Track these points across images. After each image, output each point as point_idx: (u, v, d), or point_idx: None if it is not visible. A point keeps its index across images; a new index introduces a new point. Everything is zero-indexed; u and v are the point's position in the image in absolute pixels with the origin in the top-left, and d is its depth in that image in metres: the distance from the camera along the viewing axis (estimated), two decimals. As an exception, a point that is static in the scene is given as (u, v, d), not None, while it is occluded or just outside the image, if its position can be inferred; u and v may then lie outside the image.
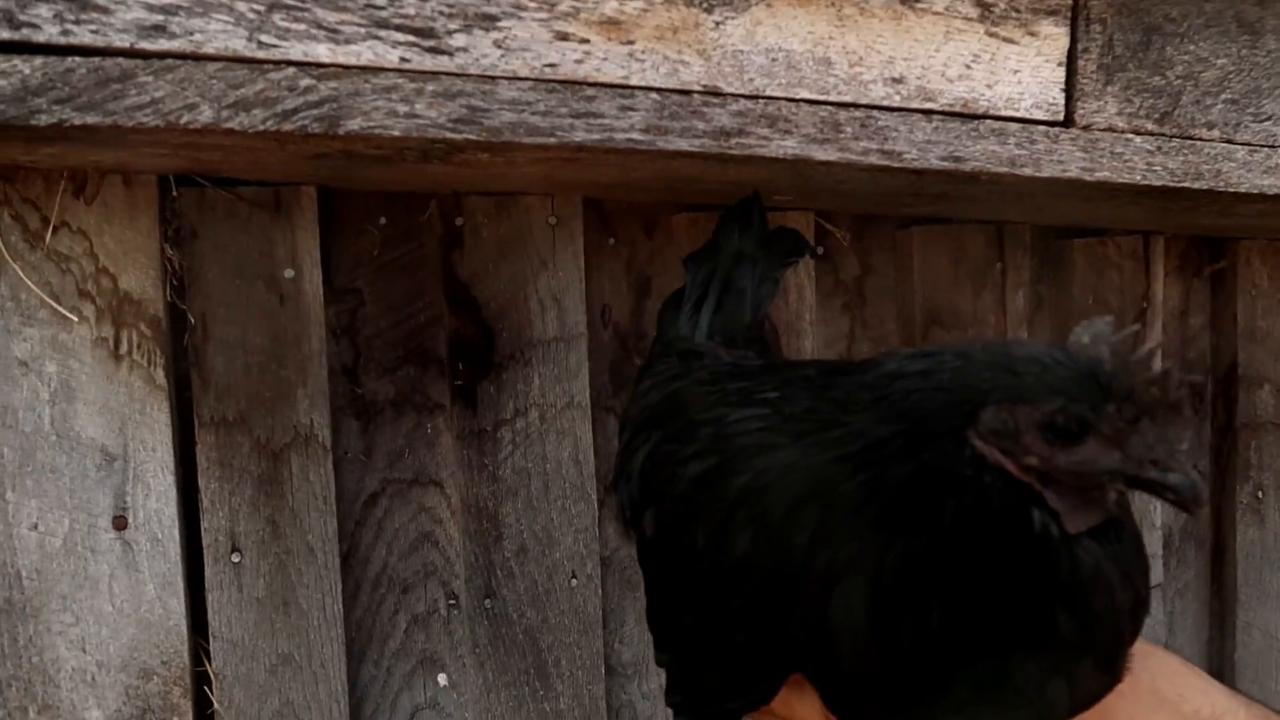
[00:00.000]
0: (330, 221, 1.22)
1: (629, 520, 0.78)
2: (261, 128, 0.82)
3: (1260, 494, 1.70)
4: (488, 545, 1.25)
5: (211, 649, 1.14)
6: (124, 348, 1.09)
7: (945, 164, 1.01)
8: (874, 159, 0.98)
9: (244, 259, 1.14)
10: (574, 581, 1.28)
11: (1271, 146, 1.13)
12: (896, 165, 1.00)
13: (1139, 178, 1.08)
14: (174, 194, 1.12)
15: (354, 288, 1.24)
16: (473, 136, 0.87)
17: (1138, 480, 0.54)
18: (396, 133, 0.85)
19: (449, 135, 0.87)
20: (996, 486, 0.55)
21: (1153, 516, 1.63)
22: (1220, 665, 1.75)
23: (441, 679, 1.28)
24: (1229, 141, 1.11)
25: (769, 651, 0.62)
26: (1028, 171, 1.04)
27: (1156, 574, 1.62)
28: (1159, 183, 1.08)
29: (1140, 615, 0.60)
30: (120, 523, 1.10)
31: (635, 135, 0.91)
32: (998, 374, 0.56)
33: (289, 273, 1.16)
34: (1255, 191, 1.13)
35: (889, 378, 0.59)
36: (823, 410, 0.61)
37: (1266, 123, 1.12)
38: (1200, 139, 1.10)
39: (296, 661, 1.17)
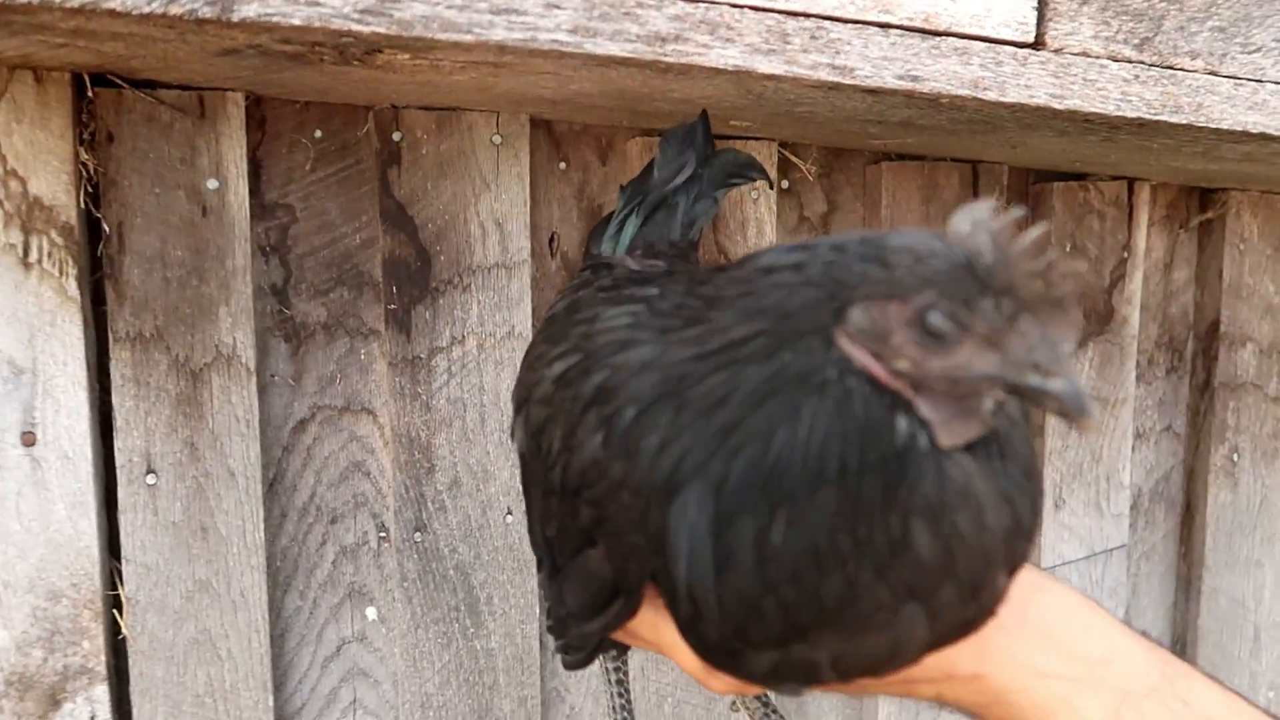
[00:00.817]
0: (261, 133, 1.16)
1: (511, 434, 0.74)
2: (147, 9, 0.76)
3: (1236, 457, 1.65)
4: (419, 477, 1.21)
5: (124, 573, 1.10)
6: (34, 255, 1.03)
7: (902, 83, 0.94)
8: (824, 74, 0.91)
9: (164, 167, 1.08)
10: (509, 518, 1.24)
11: (1259, 81, 1.06)
12: (849, 83, 0.93)
13: (1112, 108, 1.01)
14: (90, 95, 1.05)
15: (285, 203, 1.18)
16: (382, 30, 0.80)
17: (1017, 387, 0.48)
18: (297, 21, 0.78)
19: (355, 27, 0.80)
20: (861, 392, 0.49)
21: (1121, 475, 1.58)
22: (1184, 630, 1.71)
23: (370, 612, 1.25)
24: (1213, 73, 1.04)
25: (622, 567, 0.57)
26: (992, 96, 0.97)
27: (1121, 535, 1.58)
28: (1134, 114, 1.01)
29: (1019, 542, 0.54)
30: (29, 439, 1.05)
31: (561, 36, 0.84)
32: (869, 266, 0.50)
33: (213, 183, 1.09)
34: (1239, 129, 1.05)
35: (762, 272, 0.53)
36: (690, 305, 0.56)
37: (1255, 54, 1.05)
38: (1182, 69, 1.03)
39: (214, 589, 1.13)
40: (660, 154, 1.00)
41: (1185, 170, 1.40)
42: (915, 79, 0.94)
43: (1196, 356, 1.67)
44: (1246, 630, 1.70)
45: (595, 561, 0.60)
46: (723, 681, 0.61)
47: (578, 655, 0.74)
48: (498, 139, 1.19)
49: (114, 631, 1.11)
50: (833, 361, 0.50)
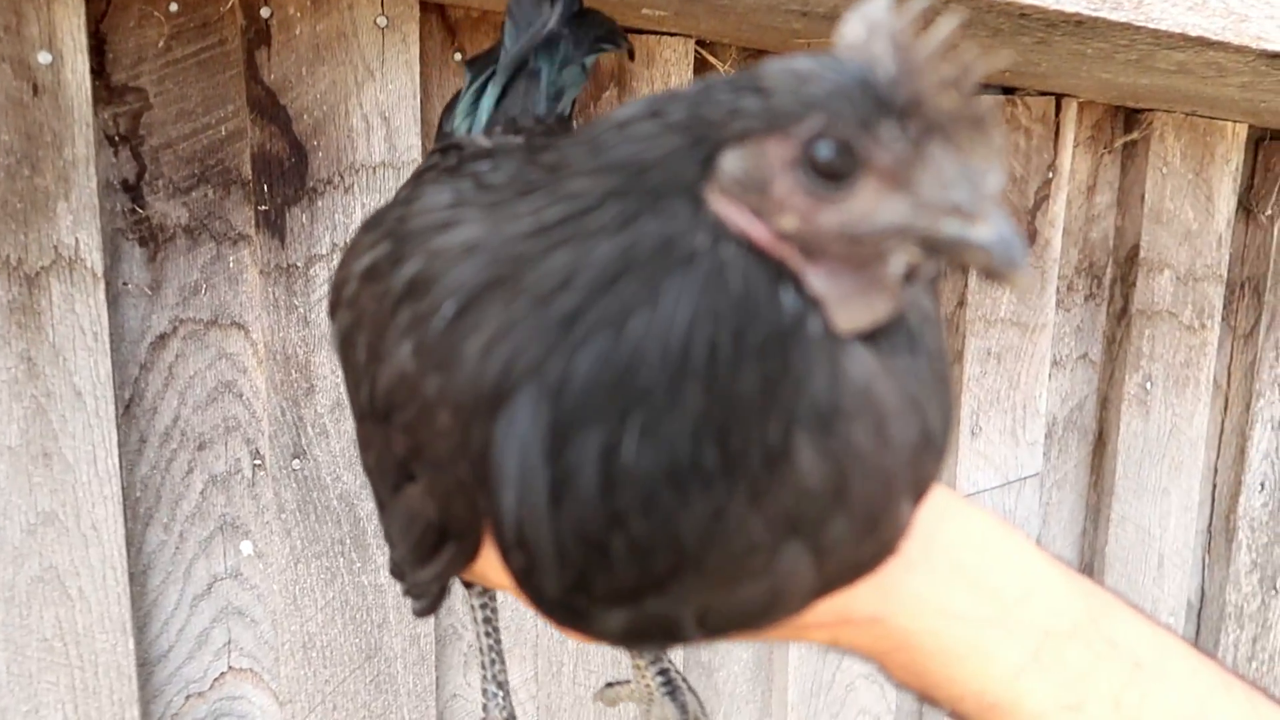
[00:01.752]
0: (106, 2, 1.00)
1: None
2: None
3: (1149, 385, 1.64)
4: (297, 399, 1.09)
5: (-49, 503, 0.97)
6: None
7: (830, -41, 0.84)
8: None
9: (-15, 36, 0.93)
10: (399, 443, 1.14)
11: (1200, -21, 0.99)
12: (772, -44, 0.83)
13: (1051, 1, 0.93)
14: (-112, -56, 0.89)
15: (136, 86, 1.03)
16: None
17: (932, 239, 0.38)
18: None
19: None
20: (739, 262, 0.39)
21: (1037, 403, 1.55)
22: (1091, 558, 1.72)
23: (245, 546, 1.14)
24: (1155, -31, 0.97)
25: (446, 507, 0.47)
26: (926, -20, 0.88)
27: (1035, 463, 1.56)
28: (1072, 9, 0.94)
29: (928, 460, 0.44)
30: None
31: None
32: (741, 97, 0.39)
33: (44, 57, 0.94)
34: (1177, 30, 1.00)
35: (615, 127, 0.42)
36: (527, 176, 0.44)
37: (1198, -50, 0.98)
38: (1124, -38, 0.96)
39: (61, 521, 1.01)
40: (508, 20, 0.84)
41: (1114, 84, 1.35)
42: (844, -45, 0.85)
43: (1115, 283, 1.65)
44: (1152, 557, 1.72)
45: (416, 499, 0.49)
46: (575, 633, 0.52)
47: (422, 603, 0.64)
48: (383, 21, 1.06)
49: (-58, 570, 0.98)
50: (703, 226, 0.39)
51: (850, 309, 0.40)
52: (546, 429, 0.39)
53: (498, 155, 0.56)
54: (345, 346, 0.53)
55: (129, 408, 1.07)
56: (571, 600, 0.43)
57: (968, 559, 0.51)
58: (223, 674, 1.16)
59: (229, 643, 1.16)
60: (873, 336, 0.41)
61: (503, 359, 0.39)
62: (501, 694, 0.79)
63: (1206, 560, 1.87)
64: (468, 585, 0.75)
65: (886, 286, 0.40)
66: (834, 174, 0.38)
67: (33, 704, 1.03)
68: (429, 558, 0.51)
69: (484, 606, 0.78)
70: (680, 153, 0.40)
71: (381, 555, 1.16)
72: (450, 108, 0.85)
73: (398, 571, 0.60)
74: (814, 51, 0.40)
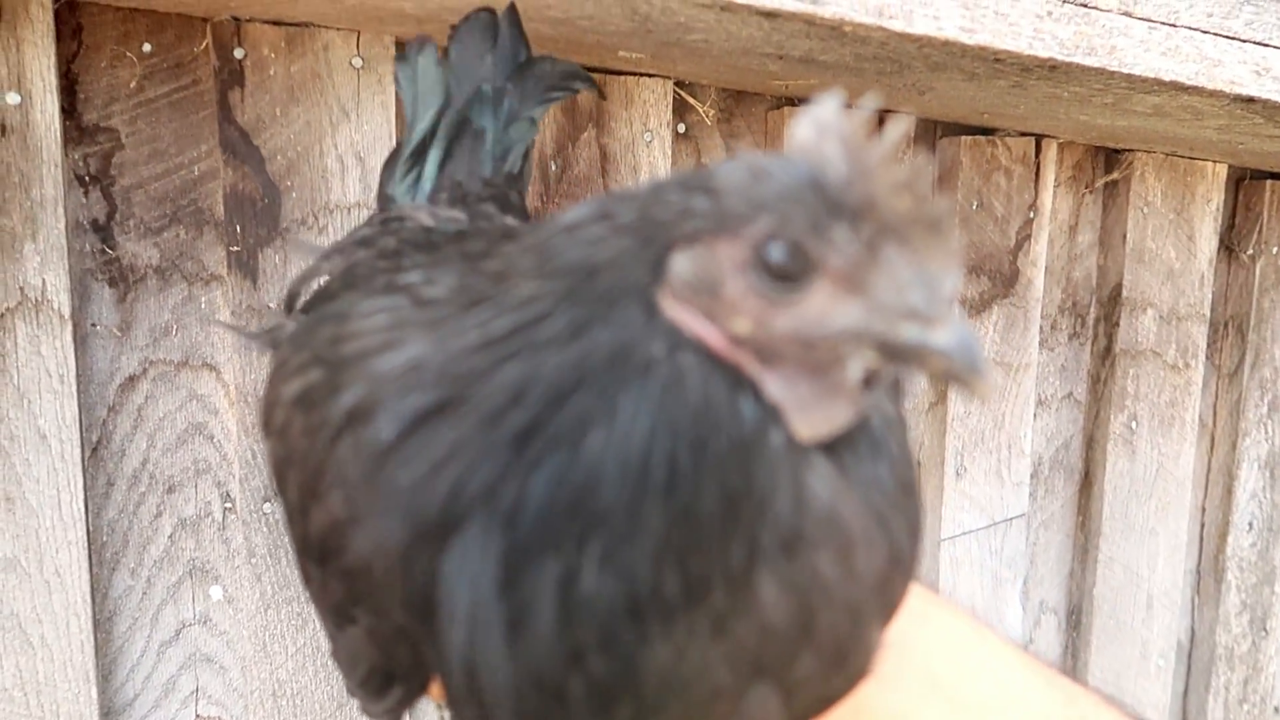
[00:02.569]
0: (78, 43, 1.00)
1: None
2: None
3: (1134, 425, 1.63)
4: (268, 441, 1.08)
5: (-91, 549, 0.95)
6: None
7: (800, 6, 0.84)
8: (714, -11, 0.81)
9: (-46, 77, 0.92)
10: (371, 486, 1.12)
11: (1173, 25, 1.00)
12: (741, 4, 0.83)
13: (1025, 46, 0.93)
14: None
15: (108, 126, 1.02)
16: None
17: (889, 345, 0.36)
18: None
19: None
20: (697, 371, 0.37)
21: (1022, 443, 1.54)
22: (1080, 599, 1.70)
23: (215, 592, 1.12)
24: (1127, 14, 0.98)
25: (390, 652, 0.45)
26: (898, 26, 0.88)
27: (1021, 504, 1.55)
28: (1046, 54, 0.94)
29: (897, 580, 0.42)
30: None
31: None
32: (691, 198, 0.38)
33: (13, 97, 0.94)
34: (1150, 75, 1.00)
35: (564, 230, 0.41)
36: (471, 286, 0.42)
37: (1170, -4, 0.99)
38: (1096, 8, 0.96)
39: (23, 567, 0.99)
40: (453, 57, 0.81)
41: (1093, 126, 1.36)
42: (815, 2, 0.85)
43: (1099, 322, 1.64)
44: (1140, 598, 1.69)
45: (359, 641, 0.47)
46: None
47: None
48: (358, 62, 1.06)
49: (-101, 617, 0.96)
50: (658, 332, 0.38)
51: (810, 416, 0.38)
52: (499, 559, 0.36)
53: (435, 258, 0.52)
54: (277, 479, 0.51)
55: (96, 450, 1.05)
56: None
57: (942, 671, 0.49)
58: (189, 723, 1.13)
59: (197, 690, 1.13)
60: (835, 446, 0.39)
61: (449, 483, 0.37)
62: None
63: (1196, 601, 1.85)
64: None
65: (845, 392, 0.38)
66: (786, 276, 0.37)
67: (-9, 756, 1.00)
68: (377, 695, 0.49)
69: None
70: (630, 254, 0.38)
71: (353, 600, 1.14)
72: (390, 164, 0.83)
73: (353, 693, 0.57)
74: (765, 153, 0.39)
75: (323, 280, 0.71)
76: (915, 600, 0.49)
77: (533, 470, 0.36)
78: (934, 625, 0.51)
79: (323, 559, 0.45)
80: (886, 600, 0.42)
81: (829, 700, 0.42)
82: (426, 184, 0.81)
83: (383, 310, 0.46)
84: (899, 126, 0.36)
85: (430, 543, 0.38)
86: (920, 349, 0.36)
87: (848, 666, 0.41)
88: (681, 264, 0.38)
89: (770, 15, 0.86)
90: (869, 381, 0.38)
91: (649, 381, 0.37)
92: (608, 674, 0.36)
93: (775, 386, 0.38)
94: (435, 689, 0.47)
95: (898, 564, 0.41)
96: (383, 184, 0.86)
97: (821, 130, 0.38)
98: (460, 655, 0.37)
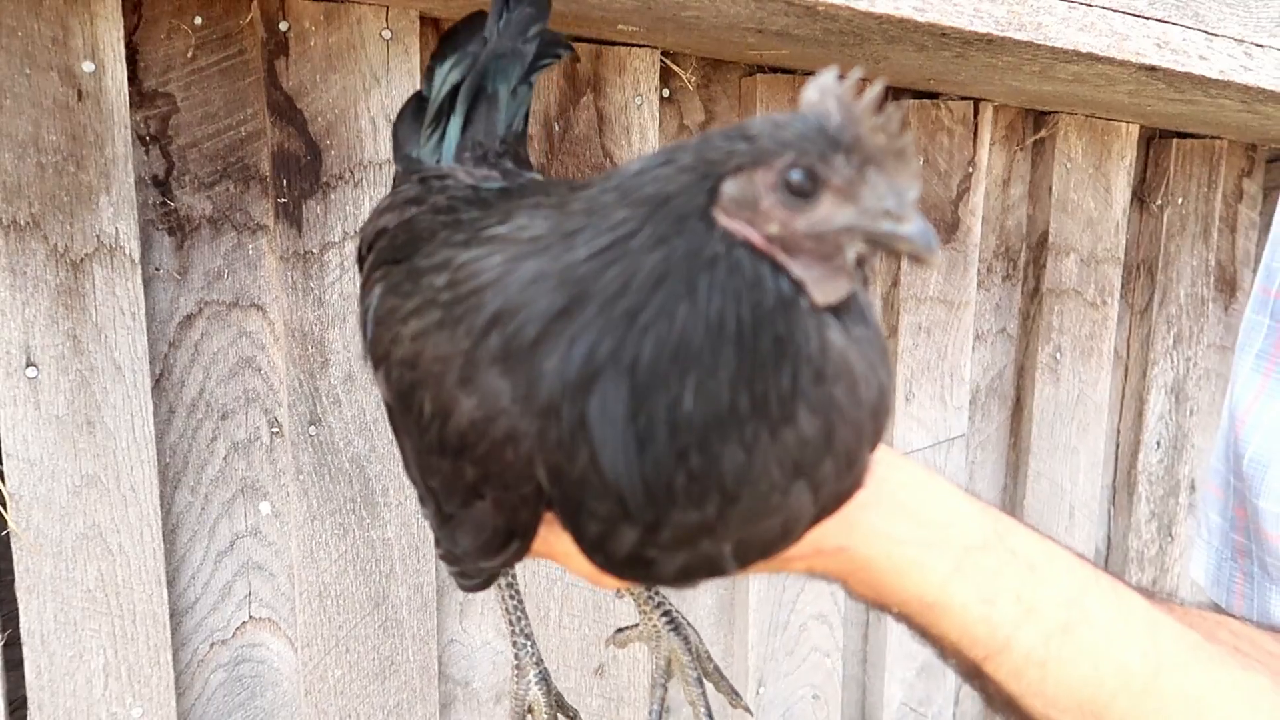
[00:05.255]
0: (138, 16, 1.12)
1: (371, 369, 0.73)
2: None
3: (1059, 355, 1.85)
4: (313, 372, 1.22)
5: (5, 468, 1.08)
6: (-109, 135, 0.98)
7: (783, -12, 1.00)
8: (713, -25, 0.97)
9: (36, 47, 1.04)
10: (404, 411, 1.27)
11: (1088, 4, 1.18)
12: (736, -15, 0.99)
13: (966, 23, 1.11)
14: (-52, -35, 0.99)
15: (165, 92, 1.15)
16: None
17: (873, 234, 0.53)
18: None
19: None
20: (747, 260, 0.54)
21: (962, 372, 1.74)
22: (1012, 510, 1.92)
23: (264, 507, 1.26)
24: (1051, -5, 1.16)
25: (513, 516, 0.60)
26: (863, 5, 1.05)
27: (962, 425, 1.75)
28: (984, 29, 1.12)
29: (882, 413, 0.58)
30: (-106, 329, 1.00)
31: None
32: (734, 143, 0.54)
33: (88, 66, 1.06)
34: (1070, 48, 1.18)
35: (635, 174, 0.57)
36: (567, 222, 0.57)
37: (1086, -20, 1.17)
38: (1026, -10, 1.14)
39: (103, 483, 1.12)
40: (465, 30, 0.94)
41: (1023, 90, 1.54)
42: (795, -16, 1.01)
43: (1028, 265, 1.85)
44: (1064, 509, 1.93)
45: (487, 512, 0.61)
46: (615, 580, 0.64)
47: (475, 581, 0.76)
48: (387, 34, 1.19)
49: (-2, 527, 1.09)
50: (717, 237, 0.54)
51: (823, 288, 0.55)
52: (627, 398, 0.52)
53: (510, 209, 0.66)
54: (405, 396, 0.63)
55: (159, 382, 1.19)
56: (641, 552, 0.56)
57: (905, 497, 0.66)
58: (244, 623, 1.28)
59: (249, 594, 1.28)
60: (838, 312, 0.56)
61: (584, 350, 0.53)
62: (530, 644, 0.92)
63: (1111, 511, 2.09)
64: None
65: (845, 271, 0.55)
66: (803, 192, 0.53)
67: (77, 649, 1.14)
68: (496, 553, 0.63)
69: (505, 572, 0.89)
70: (693, 185, 0.54)
71: (388, 513, 1.29)
72: (403, 119, 0.95)
73: (451, 560, 0.72)
74: (786, 110, 0.56)
75: (381, 231, 0.83)
76: (885, 452, 0.66)
77: (644, 335, 0.53)
78: (898, 466, 0.68)
79: (459, 452, 0.59)
80: (876, 426, 0.58)
81: (840, 498, 0.59)
82: (450, 144, 0.93)
83: (491, 252, 0.60)
84: (876, 88, 0.53)
85: (576, 396, 0.53)
86: (894, 236, 0.53)
87: (853, 471, 0.58)
88: (730, 188, 0.55)
89: (757, -4, 1.02)
90: (860, 263, 0.56)
91: (716, 269, 0.54)
92: (702, 468, 0.53)
93: (798, 269, 0.55)
94: (539, 542, 0.62)
95: (883, 398, 0.58)
96: (400, 144, 0.97)
97: (824, 92, 0.55)
98: (609, 471, 0.53)
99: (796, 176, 0.53)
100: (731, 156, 0.54)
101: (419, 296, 0.64)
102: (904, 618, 0.68)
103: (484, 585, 0.78)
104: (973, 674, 0.66)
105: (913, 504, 0.66)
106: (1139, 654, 0.62)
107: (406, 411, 0.64)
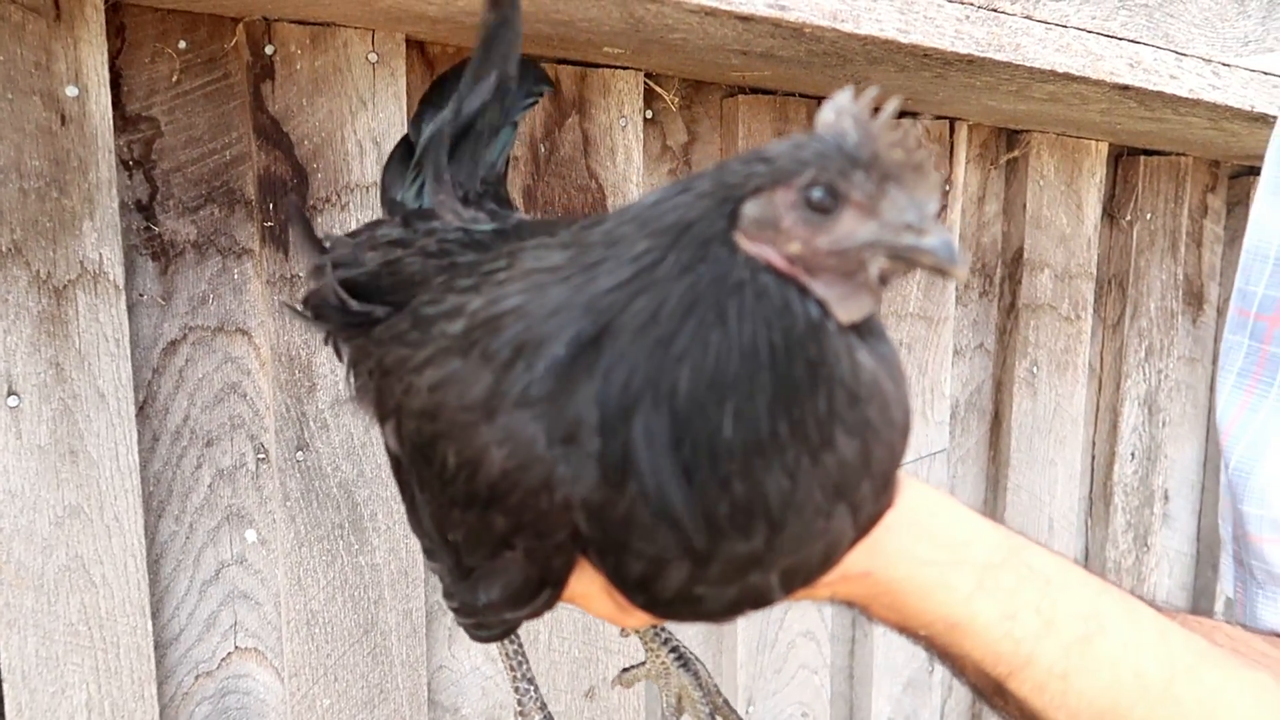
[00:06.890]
0: (121, 40, 1.11)
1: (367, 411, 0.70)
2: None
3: (1035, 369, 1.87)
4: (300, 396, 1.21)
5: (-13, 499, 1.05)
6: None
7: (770, 11, 1.02)
8: (704, -1, 0.98)
9: (18, 71, 1.02)
10: (392, 434, 1.26)
11: (1063, 26, 1.21)
12: (725, 9, 1.00)
13: (948, 44, 1.13)
14: (-73, -11, 0.98)
15: (149, 116, 1.14)
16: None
17: (896, 249, 0.53)
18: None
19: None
20: (773, 284, 0.53)
21: (943, 387, 1.76)
22: (992, 524, 1.94)
23: (250, 534, 1.24)
24: (1029, 18, 1.18)
25: (546, 565, 0.59)
26: (848, 27, 1.07)
27: (943, 440, 1.77)
28: (965, 50, 1.14)
29: (907, 437, 0.58)
30: None
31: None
32: (751, 165, 0.54)
33: (72, 90, 1.05)
34: (1047, 68, 1.21)
35: (651, 205, 0.56)
36: (585, 255, 0.57)
37: (1060, 2, 1.20)
38: (1004, 12, 1.17)
39: (86, 514, 1.10)
40: (457, 73, 0.89)
41: (998, 110, 1.57)
42: (783, 8, 1.02)
43: (1004, 281, 1.88)
44: (1043, 521, 1.95)
45: (516, 564, 0.60)
46: (639, 620, 0.63)
47: (494, 633, 0.74)
48: (374, 57, 1.19)
49: (-24, 562, 1.06)
50: (742, 262, 0.53)
51: (847, 306, 0.54)
52: (668, 425, 0.52)
53: (514, 250, 0.64)
54: (421, 455, 0.61)
55: (143, 408, 1.17)
56: (690, 589, 0.55)
57: (923, 517, 0.66)
58: (229, 654, 1.26)
59: (235, 624, 1.26)
60: (861, 332, 0.55)
61: (621, 379, 0.52)
62: (533, 689, 0.89)
63: (1089, 522, 2.12)
64: None
65: (868, 288, 0.55)
66: (824, 209, 0.53)
67: (59, 685, 1.11)
68: (526, 603, 0.62)
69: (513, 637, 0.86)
70: (712, 210, 0.54)
71: (376, 538, 1.27)
72: (393, 161, 0.93)
73: (468, 613, 0.69)
74: (802, 132, 0.56)
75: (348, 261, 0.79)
76: (899, 473, 0.66)
77: (679, 363, 0.52)
78: (912, 487, 0.67)
79: (489, 503, 0.57)
80: (905, 445, 0.59)
81: (874, 519, 0.59)
82: (431, 190, 0.88)
83: (507, 294, 0.58)
84: (892, 105, 0.53)
85: (617, 427, 0.52)
86: (917, 249, 0.53)
87: (887, 492, 0.58)
88: (751, 210, 0.54)
89: (745, 19, 1.03)
90: (884, 279, 0.55)
91: (744, 295, 0.53)
92: (746, 496, 0.52)
93: (821, 288, 0.54)
94: (572, 587, 0.60)
95: (909, 417, 0.59)
96: (387, 188, 0.94)
97: (840, 111, 0.54)
98: (659, 496, 0.52)
99: (818, 193, 0.52)
100: (750, 179, 0.54)
101: (432, 345, 0.62)
102: (927, 640, 0.68)
103: (502, 636, 0.76)
104: (995, 693, 0.66)
105: (931, 524, 0.66)
106: (1154, 661, 0.63)
107: (425, 465, 0.62)
